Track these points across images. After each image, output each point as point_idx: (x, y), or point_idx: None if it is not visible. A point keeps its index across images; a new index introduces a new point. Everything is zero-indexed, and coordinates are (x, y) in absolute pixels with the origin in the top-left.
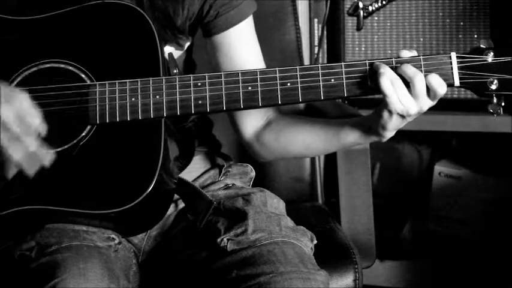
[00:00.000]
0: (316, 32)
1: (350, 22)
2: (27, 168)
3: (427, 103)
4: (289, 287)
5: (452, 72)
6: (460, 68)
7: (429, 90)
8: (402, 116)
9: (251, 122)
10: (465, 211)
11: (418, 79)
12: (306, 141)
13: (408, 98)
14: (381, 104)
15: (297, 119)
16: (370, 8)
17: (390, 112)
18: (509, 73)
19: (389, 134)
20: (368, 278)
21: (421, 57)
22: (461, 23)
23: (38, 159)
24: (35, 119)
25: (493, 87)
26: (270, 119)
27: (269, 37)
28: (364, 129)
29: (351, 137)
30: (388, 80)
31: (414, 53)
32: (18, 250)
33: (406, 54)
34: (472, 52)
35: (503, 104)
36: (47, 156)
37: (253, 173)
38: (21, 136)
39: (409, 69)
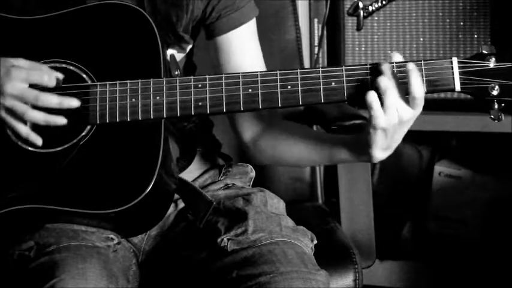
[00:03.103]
0: (316, 32)
1: (350, 22)
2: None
3: (406, 112)
4: (290, 287)
5: (453, 78)
6: (461, 73)
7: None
8: (384, 130)
9: (250, 126)
10: (465, 211)
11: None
12: (301, 153)
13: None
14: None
15: (294, 130)
16: (370, 8)
17: (374, 127)
18: (510, 79)
19: (377, 152)
20: (368, 278)
21: (422, 61)
22: (462, 23)
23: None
24: (43, 76)
25: (494, 92)
26: (268, 126)
27: (269, 37)
28: (355, 148)
29: (343, 155)
30: (375, 95)
31: (401, 58)
32: (17, 250)
33: (398, 57)
34: (474, 57)
35: (503, 105)
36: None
37: (253, 173)
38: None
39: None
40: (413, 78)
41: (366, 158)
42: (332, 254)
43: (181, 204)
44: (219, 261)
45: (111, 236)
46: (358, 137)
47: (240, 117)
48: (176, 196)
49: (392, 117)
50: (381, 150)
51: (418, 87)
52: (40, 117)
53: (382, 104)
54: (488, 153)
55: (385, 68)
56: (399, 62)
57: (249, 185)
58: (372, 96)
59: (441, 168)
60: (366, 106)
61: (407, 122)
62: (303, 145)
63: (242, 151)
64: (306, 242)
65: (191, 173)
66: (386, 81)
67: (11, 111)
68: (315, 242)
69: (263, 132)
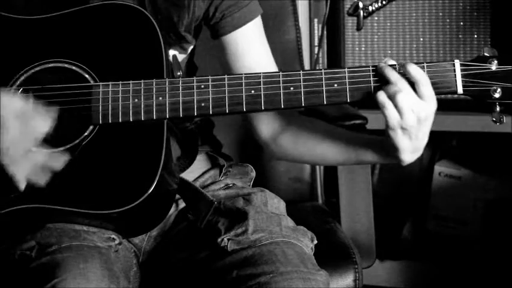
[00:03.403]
0: (316, 32)
1: (350, 22)
2: (37, 180)
3: (421, 108)
4: (290, 287)
5: (455, 80)
6: (463, 76)
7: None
8: (405, 130)
9: (268, 122)
10: (465, 211)
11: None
12: (324, 152)
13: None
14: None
15: (318, 127)
16: (370, 8)
17: (392, 129)
18: None
19: (406, 156)
20: (368, 278)
21: (425, 64)
22: (462, 23)
23: (47, 168)
24: (41, 128)
25: (496, 95)
26: (289, 122)
27: (269, 37)
28: (381, 150)
29: (369, 156)
30: (385, 94)
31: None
32: (18, 250)
33: (391, 62)
34: (476, 60)
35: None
36: (57, 163)
37: (253, 173)
38: (24, 156)
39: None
40: (410, 69)
41: (394, 160)
42: (332, 254)
43: (182, 205)
44: (219, 261)
45: (113, 236)
46: (383, 139)
47: (259, 113)
48: (177, 196)
49: (410, 118)
50: (409, 153)
51: (418, 72)
52: None
53: (395, 106)
54: (488, 153)
55: (388, 71)
56: (400, 64)
57: (250, 185)
58: (382, 96)
59: (441, 168)
60: (366, 106)
61: (427, 120)
62: (327, 144)
63: (244, 149)
64: (306, 242)
65: (192, 173)
66: (393, 87)
67: None
68: (315, 242)
69: (284, 128)
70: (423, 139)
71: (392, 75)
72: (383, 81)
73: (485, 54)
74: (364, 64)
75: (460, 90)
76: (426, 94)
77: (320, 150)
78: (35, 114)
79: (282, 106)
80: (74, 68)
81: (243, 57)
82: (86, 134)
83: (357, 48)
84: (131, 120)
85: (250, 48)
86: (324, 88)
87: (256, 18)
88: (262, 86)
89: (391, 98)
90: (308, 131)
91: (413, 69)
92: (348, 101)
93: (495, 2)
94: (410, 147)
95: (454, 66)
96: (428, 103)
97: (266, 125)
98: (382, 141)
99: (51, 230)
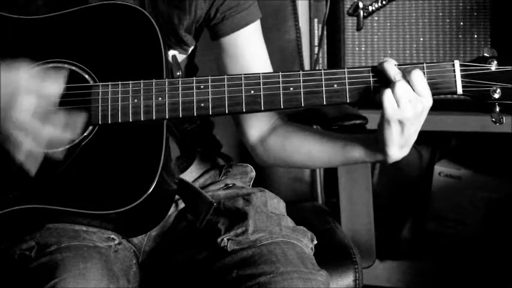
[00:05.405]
0: (316, 32)
1: (350, 22)
2: (52, 156)
3: (417, 100)
4: (290, 287)
5: (455, 80)
6: (463, 76)
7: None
8: (400, 123)
9: (257, 125)
10: (465, 211)
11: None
12: (312, 151)
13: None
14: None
15: (304, 127)
16: (370, 8)
17: (388, 120)
18: None
19: (394, 150)
20: (368, 278)
21: (424, 64)
22: (462, 23)
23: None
24: (54, 90)
25: (496, 96)
26: (276, 124)
27: (269, 37)
28: (370, 145)
29: (357, 152)
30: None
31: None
32: (17, 250)
33: (392, 61)
34: (476, 60)
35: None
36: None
37: (253, 173)
38: (40, 129)
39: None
40: (408, 70)
41: (381, 156)
42: (332, 254)
43: (181, 205)
44: (219, 261)
45: (112, 236)
46: (371, 134)
47: (247, 116)
48: (176, 196)
49: (407, 109)
50: (398, 148)
51: (414, 71)
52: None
53: (393, 96)
54: (488, 153)
55: (387, 65)
56: (400, 64)
57: (249, 185)
58: (382, 88)
59: (441, 168)
60: (366, 106)
61: (422, 115)
62: (314, 143)
63: (244, 149)
64: (306, 242)
65: (191, 173)
66: (392, 80)
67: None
68: (315, 242)
69: (272, 130)
70: (413, 135)
71: (392, 69)
72: (382, 81)
73: (485, 54)
74: (364, 64)
75: (459, 90)
76: (422, 92)
77: (307, 149)
78: (45, 77)
79: (282, 106)
80: (73, 68)
81: (241, 59)
82: (85, 134)
83: (357, 48)
84: (131, 120)
85: (249, 51)
86: (323, 88)
87: (256, 22)
88: (261, 86)
89: (391, 88)
90: (295, 131)
91: (412, 71)
92: (348, 101)
93: (495, 2)
94: (400, 142)
95: (454, 67)
96: (425, 98)
97: (255, 128)
98: (370, 137)
99: (50, 230)
